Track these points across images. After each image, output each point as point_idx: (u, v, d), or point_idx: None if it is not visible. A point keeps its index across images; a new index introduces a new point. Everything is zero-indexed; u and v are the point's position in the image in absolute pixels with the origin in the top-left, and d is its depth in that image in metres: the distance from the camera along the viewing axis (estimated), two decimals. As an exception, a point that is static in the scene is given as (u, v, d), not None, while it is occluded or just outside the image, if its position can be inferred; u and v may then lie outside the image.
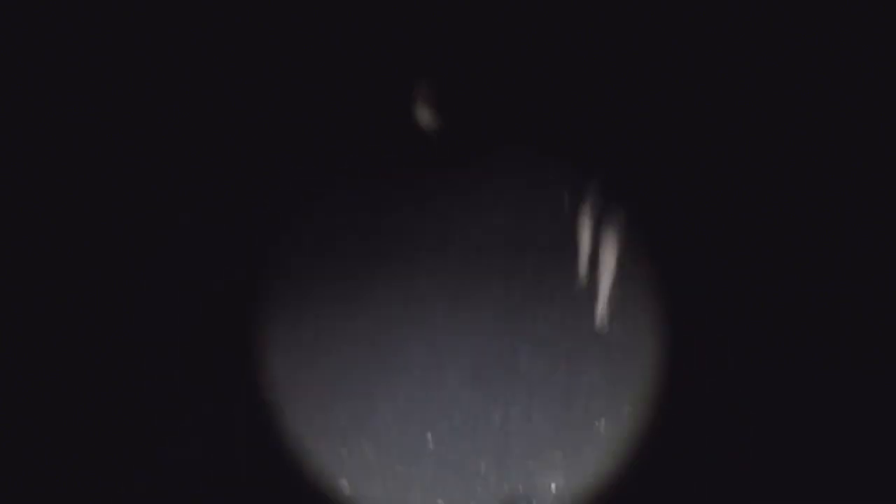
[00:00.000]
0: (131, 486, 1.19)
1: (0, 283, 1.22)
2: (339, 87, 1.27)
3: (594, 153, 1.26)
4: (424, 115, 1.26)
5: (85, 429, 1.20)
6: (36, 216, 1.24)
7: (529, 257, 1.23)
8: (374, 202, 1.26)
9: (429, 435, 1.20)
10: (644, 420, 1.20)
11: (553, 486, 1.19)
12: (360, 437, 1.20)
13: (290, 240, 1.26)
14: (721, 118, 1.25)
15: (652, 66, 1.26)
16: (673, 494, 1.19)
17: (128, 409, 1.21)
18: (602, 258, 1.22)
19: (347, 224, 1.26)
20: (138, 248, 1.24)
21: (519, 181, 1.26)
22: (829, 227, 1.24)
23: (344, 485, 1.19)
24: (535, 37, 1.26)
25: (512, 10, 1.26)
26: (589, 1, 1.26)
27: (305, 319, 1.24)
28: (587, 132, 1.26)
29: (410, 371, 1.21)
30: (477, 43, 1.27)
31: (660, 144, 1.25)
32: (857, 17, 1.22)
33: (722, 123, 1.25)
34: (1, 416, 1.19)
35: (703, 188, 1.25)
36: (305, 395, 1.21)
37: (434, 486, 1.19)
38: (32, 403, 1.20)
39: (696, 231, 1.24)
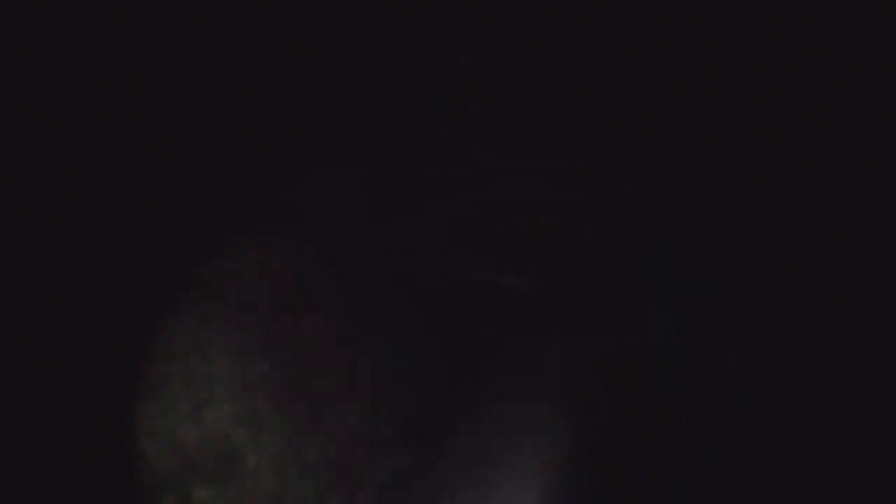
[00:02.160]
0: (131, 487, 1.19)
1: (0, 283, 1.22)
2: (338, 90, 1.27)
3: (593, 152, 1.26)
4: None
5: (84, 429, 1.20)
6: (36, 216, 1.24)
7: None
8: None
9: None
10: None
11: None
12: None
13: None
14: (721, 118, 1.26)
15: (650, 66, 1.26)
16: (673, 495, 1.19)
17: (128, 409, 1.21)
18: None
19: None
20: (138, 248, 1.24)
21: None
22: (829, 227, 1.24)
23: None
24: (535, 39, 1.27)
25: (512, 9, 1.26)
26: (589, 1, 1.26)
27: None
28: (584, 133, 1.26)
29: None
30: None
31: (658, 144, 1.25)
32: (857, 17, 1.23)
33: (722, 123, 1.26)
34: (1, 416, 1.20)
35: (702, 188, 1.25)
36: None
37: None
38: (32, 403, 1.20)
39: (697, 231, 1.24)
